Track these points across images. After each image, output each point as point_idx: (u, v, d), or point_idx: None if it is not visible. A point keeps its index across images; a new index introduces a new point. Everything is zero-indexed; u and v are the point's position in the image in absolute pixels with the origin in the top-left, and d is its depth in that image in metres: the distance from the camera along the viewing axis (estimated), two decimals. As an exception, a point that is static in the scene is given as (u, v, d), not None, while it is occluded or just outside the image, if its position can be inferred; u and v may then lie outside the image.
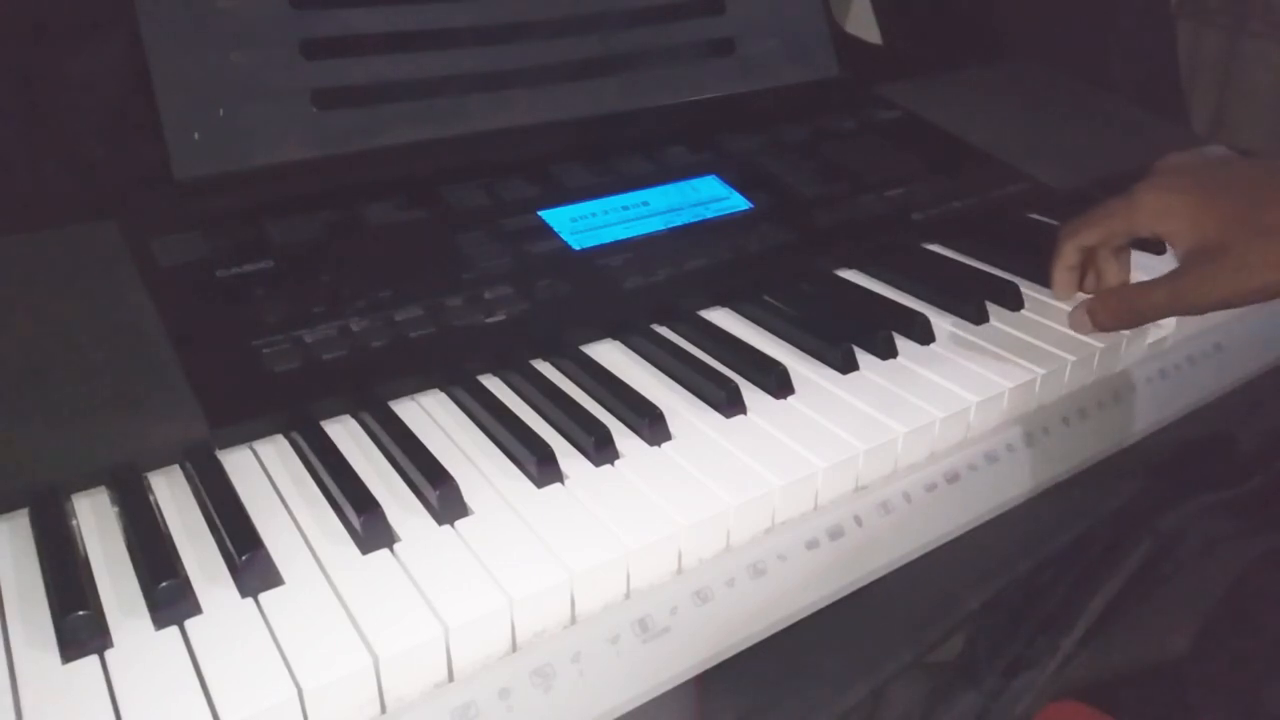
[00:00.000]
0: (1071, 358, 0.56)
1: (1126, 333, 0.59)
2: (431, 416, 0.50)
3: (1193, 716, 0.60)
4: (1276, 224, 0.48)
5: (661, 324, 0.58)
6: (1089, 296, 0.57)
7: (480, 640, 0.38)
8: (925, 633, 0.56)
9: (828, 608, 0.48)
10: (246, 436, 0.47)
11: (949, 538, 0.52)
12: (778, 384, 0.52)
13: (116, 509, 0.43)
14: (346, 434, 0.48)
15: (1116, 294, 0.56)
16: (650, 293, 0.59)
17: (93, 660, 0.36)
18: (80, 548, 0.41)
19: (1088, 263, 0.59)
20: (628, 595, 0.42)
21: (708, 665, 0.44)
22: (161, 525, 0.42)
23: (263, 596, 0.39)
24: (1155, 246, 0.66)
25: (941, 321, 0.59)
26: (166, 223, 0.57)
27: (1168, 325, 0.62)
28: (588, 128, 0.73)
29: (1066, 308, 0.59)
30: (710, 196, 0.69)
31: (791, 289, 0.62)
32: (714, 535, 0.44)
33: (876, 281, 0.65)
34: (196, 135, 0.60)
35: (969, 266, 0.67)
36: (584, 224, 0.63)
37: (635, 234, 0.63)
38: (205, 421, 0.46)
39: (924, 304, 0.62)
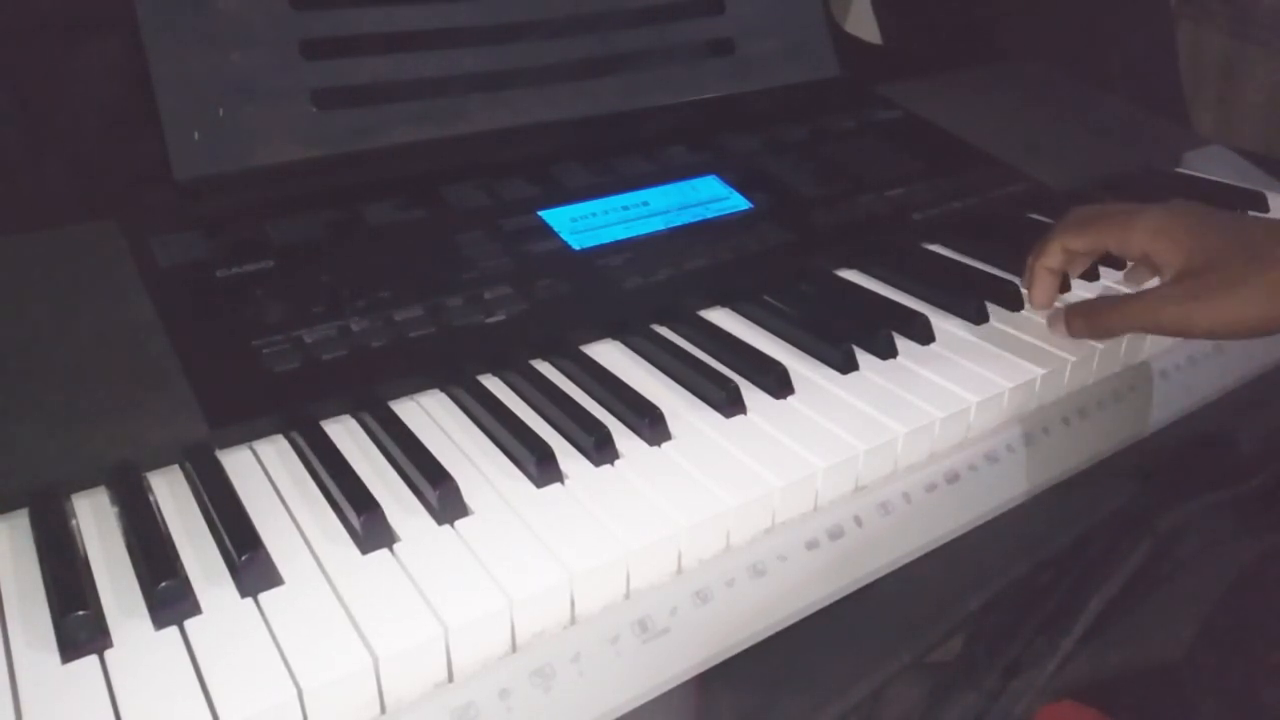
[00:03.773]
0: (1071, 358, 0.56)
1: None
2: (431, 416, 0.50)
3: (1192, 717, 0.60)
4: (1266, 261, 0.48)
5: (661, 324, 0.58)
6: (1071, 303, 0.57)
7: (480, 640, 0.38)
8: (925, 633, 0.56)
9: (828, 608, 0.48)
10: (246, 436, 0.47)
11: (949, 538, 0.52)
12: (778, 384, 0.52)
13: (116, 509, 0.43)
14: (346, 434, 0.48)
15: (1095, 303, 0.56)
16: (650, 293, 0.59)
17: (92, 660, 0.36)
18: (80, 548, 0.41)
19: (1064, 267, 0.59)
20: (627, 595, 0.42)
21: (708, 665, 0.44)
22: (161, 525, 0.42)
23: (262, 596, 0.39)
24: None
25: (941, 321, 0.59)
26: (166, 223, 0.57)
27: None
28: (588, 128, 0.73)
29: (1039, 315, 0.60)
30: (710, 196, 0.69)
31: (791, 289, 0.62)
32: (714, 535, 0.44)
33: (876, 281, 0.65)
34: (196, 135, 0.60)
35: (969, 266, 0.67)
36: (584, 224, 0.63)
37: (635, 234, 0.63)
38: (205, 421, 0.46)
39: (924, 304, 0.62)
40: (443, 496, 0.43)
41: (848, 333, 0.56)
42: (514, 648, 0.40)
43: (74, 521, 0.42)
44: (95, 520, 0.43)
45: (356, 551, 0.41)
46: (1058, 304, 0.59)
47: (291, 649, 0.36)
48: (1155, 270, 0.56)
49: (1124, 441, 0.61)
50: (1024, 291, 0.61)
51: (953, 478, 0.52)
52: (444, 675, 0.38)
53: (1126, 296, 0.55)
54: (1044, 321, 0.60)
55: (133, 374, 0.47)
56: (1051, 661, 0.57)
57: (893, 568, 0.50)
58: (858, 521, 0.48)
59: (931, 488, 0.51)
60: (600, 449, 0.46)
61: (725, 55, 0.81)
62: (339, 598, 0.39)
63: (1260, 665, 0.58)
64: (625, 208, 0.66)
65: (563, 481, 0.45)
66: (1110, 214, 0.56)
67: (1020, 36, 1.02)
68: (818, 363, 0.55)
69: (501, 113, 0.70)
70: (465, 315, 0.54)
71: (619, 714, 0.41)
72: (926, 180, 0.75)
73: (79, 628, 0.36)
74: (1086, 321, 0.56)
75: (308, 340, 0.51)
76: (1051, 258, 0.58)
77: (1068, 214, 0.58)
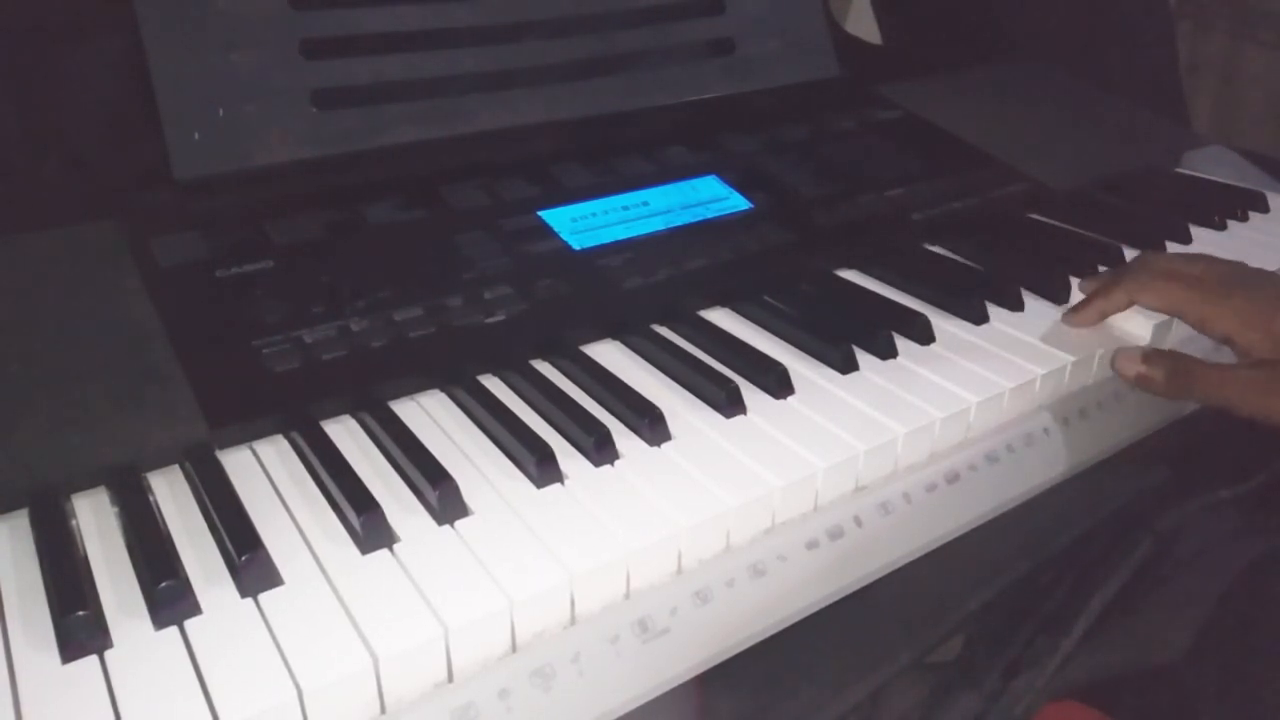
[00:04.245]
0: (1071, 358, 0.56)
1: (1127, 334, 0.59)
2: (431, 416, 0.50)
3: (1192, 717, 0.60)
4: None
5: (661, 324, 0.58)
6: (1147, 347, 0.56)
7: (480, 641, 0.38)
8: (925, 633, 0.56)
9: (828, 608, 0.48)
10: (246, 436, 0.47)
11: (949, 538, 0.52)
12: (778, 384, 0.52)
13: (116, 509, 0.43)
14: (346, 434, 0.48)
15: (1183, 363, 0.54)
16: (650, 293, 0.59)
17: (92, 660, 0.36)
18: (80, 548, 0.41)
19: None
20: (627, 596, 0.42)
21: (708, 665, 0.44)
22: (161, 525, 0.42)
23: (262, 597, 0.39)
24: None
25: (941, 321, 0.59)
26: (166, 223, 0.57)
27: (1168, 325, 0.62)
28: (588, 128, 0.73)
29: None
30: (710, 196, 0.69)
31: (791, 289, 0.62)
32: (714, 536, 0.44)
33: (876, 281, 0.65)
34: (196, 135, 0.60)
35: (969, 266, 0.67)
36: (584, 224, 0.63)
37: (635, 234, 0.63)
38: (205, 421, 0.46)
39: (924, 304, 0.62)
40: (443, 496, 0.43)
41: (848, 333, 0.56)
42: (514, 648, 0.40)
43: (74, 521, 0.42)
44: (95, 520, 0.43)
45: (356, 551, 0.41)
46: (1141, 344, 0.57)
47: (291, 649, 0.36)
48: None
49: (1124, 441, 0.61)
50: (1071, 299, 0.61)
51: (953, 478, 0.52)
52: (444, 675, 0.38)
53: (1214, 367, 0.53)
54: (1046, 320, 0.60)
55: (133, 374, 0.47)
56: (1052, 661, 0.57)
57: (893, 568, 0.50)
58: (858, 522, 0.48)
59: (931, 488, 0.51)
60: (600, 449, 0.46)
61: (725, 55, 0.81)
62: (339, 598, 0.39)
63: (1260, 665, 0.58)
64: (625, 208, 0.66)
65: (563, 481, 0.45)
66: (1197, 299, 0.55)
67: (1020, 36, 1.02)
68: (818, 363, 0.55)
69: (501, 113, 0.70)
70: (465, 315, 0.54)
71: (619, 714, 0.41)
72: (926, 180, 0.75)
73: (79, 628, 0.36)
74: (1167, 376, 0.54)
75: (308, 340, 0.51)
76: (1116, 304, 0.58)
77: (1150, 259, 0.58)
